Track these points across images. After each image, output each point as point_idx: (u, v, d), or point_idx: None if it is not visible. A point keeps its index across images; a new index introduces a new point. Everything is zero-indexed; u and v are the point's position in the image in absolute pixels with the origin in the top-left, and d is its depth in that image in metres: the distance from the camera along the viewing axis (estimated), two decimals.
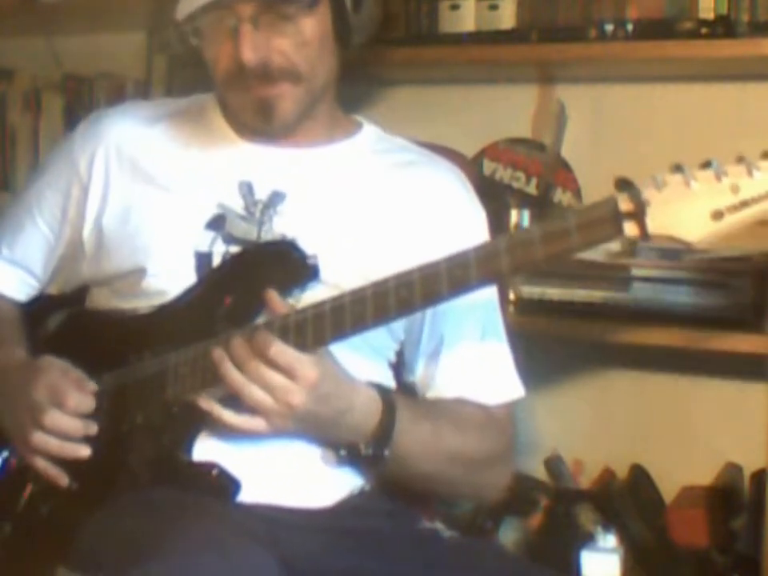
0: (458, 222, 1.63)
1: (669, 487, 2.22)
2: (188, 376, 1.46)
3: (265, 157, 1.61)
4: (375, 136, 1.69)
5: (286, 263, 1.51)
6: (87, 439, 1.52)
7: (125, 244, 1.59)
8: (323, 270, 1.52)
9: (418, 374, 1.64)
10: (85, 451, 1.51)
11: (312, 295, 1.49)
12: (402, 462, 1.49)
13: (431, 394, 1.61)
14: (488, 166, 2.41)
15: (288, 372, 1.37)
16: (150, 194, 1.60)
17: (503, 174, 2.41)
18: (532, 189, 2.39)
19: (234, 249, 1.56)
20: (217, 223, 1.57)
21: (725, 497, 2.16)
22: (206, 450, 1.48)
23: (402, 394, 1.58)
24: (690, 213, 1.28)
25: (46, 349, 1.61)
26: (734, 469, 2.20)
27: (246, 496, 1.46)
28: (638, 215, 1.28)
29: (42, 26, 2.69)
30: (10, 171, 2.69)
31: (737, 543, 2.11)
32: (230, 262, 1.55)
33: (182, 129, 1.65)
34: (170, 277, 1.55)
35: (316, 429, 1.45)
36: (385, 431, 1.46)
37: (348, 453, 1.48)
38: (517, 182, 2.40)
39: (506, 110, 2.41)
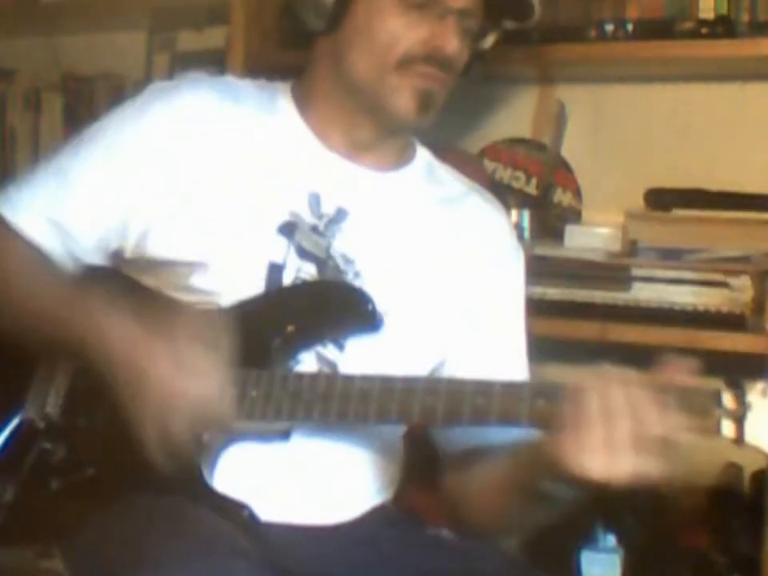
0: (499, 262, 1.62)
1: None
2: (236, 400, 1.40)
3: (335, 170, 1.56)
4: (426, 162, 1.66)
5: (356, 310, 1.49)
6: (103, 432, 1.49)
7: (186, 232, 1.51)
8: (382, 301, 1.51)
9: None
10: None
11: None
12: None
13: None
14: (488, 166, 2.41)
15: None
16: (220, 185, 1.52)
17: (503, 174, 2.41)
18: (532, 189, 2.39)
19: (307, 265, 1.51)
20: (288, 230, 1.52)
21: (725, 497, 2.16)
22: (222, 470, 1.46)
23: None
24: None
25: None
26: (733, 469, 2.20)
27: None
28: (739, 417, 1.25)
29: (42, 25, 2.69)
30: (10, 171, 2.69)
31: (737, 543, 2.11)
32: (300, 288, 1.51)
33: (258, 118, 1.56)
34: (233, 279, 1.49)
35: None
36: None
37: None
38: (517, 181, 2.40)
39: (506, 110, 2.41)
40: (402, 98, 1.50)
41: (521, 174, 2.40)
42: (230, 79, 1.67)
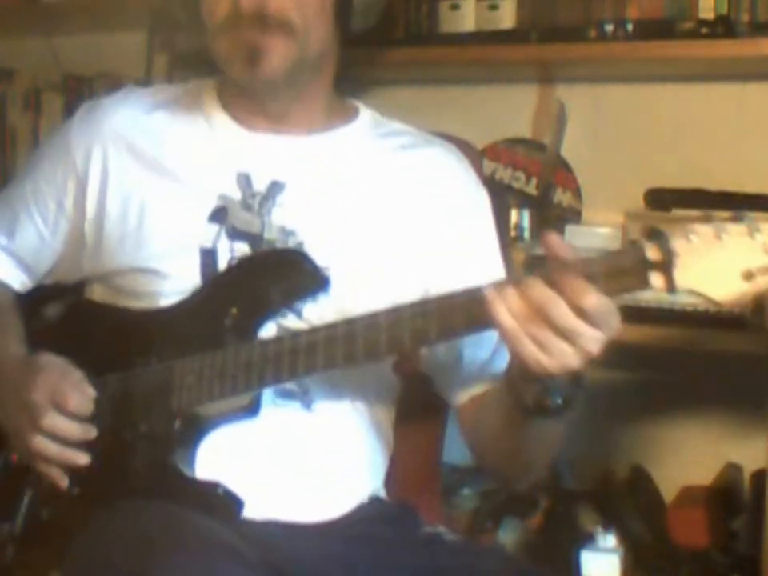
0: (459, 203, 1.60)
1: (669, 487, 2.22)
2: (194, 386, 1.45)
3: (262, 146, 1.58)
4: (373, 120, 1.67)
5: (297, 273, 1.49)
6: (88, 443, 1.50)
7: (127, 239, 1.56)
8: (322, 259, 1.50)
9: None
10: (83, 459, 1.49)
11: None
12: None
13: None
14: (488, 166, 2.41)
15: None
16: (149, 185, 1.57)
17: (503, 174, 2.41)
18: (532, 189, 2.39)
19: (239, 244, 1.53)
20: (219, 215, 1.54)
21: (725, 497, 2.16)
22: (207, 463, 1.47)
23: None
24: (719, 269, 1.19)
25: (46, 339, 1.59)
26: (733, 469, 2.21)
27: (247, 512, 1.45)
28: (666, 266, 1.21)
29: (42, 25, 2.69)
30: (10, 171, 2.69)
31: (737, 543, 2.11)
32: (236, 267, 1.52)
33: (179, 116, 1.61)
34: (174, 276, 1.53)
35: None
36: None
37: None
38: (517, 182, 2.41)
39: (506, 110, 2.41)
40: (229, 60, 1.53)
41: (521, 174, 2.40)
42: (155, 89, 1.75)
